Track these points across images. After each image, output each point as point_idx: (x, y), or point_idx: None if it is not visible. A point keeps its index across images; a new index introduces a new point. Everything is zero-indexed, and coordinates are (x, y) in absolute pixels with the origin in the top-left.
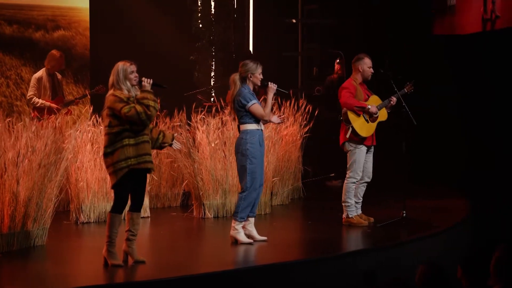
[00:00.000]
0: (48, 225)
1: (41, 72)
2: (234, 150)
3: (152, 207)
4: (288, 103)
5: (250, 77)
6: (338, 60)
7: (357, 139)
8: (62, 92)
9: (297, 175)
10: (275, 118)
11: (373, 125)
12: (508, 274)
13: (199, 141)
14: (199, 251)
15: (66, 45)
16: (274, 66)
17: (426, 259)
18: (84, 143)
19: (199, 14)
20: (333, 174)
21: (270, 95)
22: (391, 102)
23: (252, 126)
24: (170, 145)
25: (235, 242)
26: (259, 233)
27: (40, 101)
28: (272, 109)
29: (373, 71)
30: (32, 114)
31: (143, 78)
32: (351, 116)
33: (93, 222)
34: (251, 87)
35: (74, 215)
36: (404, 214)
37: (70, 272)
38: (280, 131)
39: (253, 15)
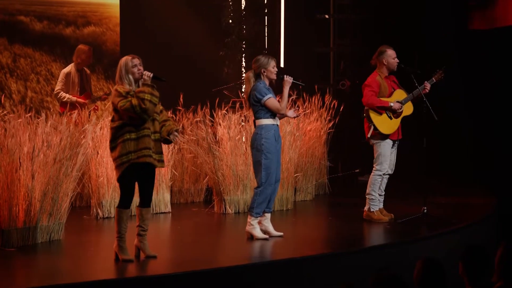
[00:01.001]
0: (65, 220)
1: (69, 67)
2: (250, 145)
3: (175, 202)
4: (313, 98)
5: (264, 72)
6: None
7: (380, 134)
8: (90, 87)
9: (322, 171)
10: (290, 113)
11: (397, 121)
12: (511, 271)
13: (220, 136)
14: (213, 246)
15: (97, 41)
16: (305, 62)
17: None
18: (105, 138)
19: (230, 9)
20: (358, 170)
21: (286, 88)
22: (426, 89)
23: (267, 121)
24: (167, 139)
25: (251, 237)
26: (278, 229)
27: (67, 96)
28: (294, 103)
29: (398, 61)
30: (60, 109)
31: (144, 72)
32: (372, 114)
33: (114, 217)
34: (267, 82)
35: (94, 210)
36: (425, 211)
37: (81, 266)
38: (303, 127)
39: (284, 10)
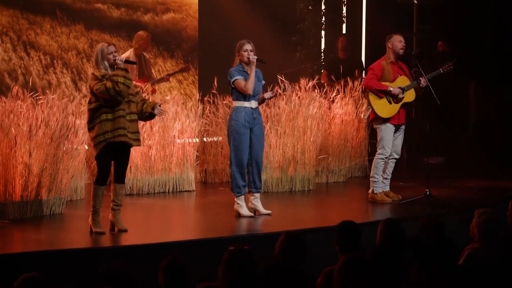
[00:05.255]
0: (66, 195)
1: (128, 52)
2: None
3: (210, 182)
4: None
5: (238, 56)
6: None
7: (380, 118)
8: (149, 72)
9: (363, 153)
10: (267, 94)
11: (396, 106)
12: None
13: None
14: (200, 221)
15: (176, 28)
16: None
17: None
18: None
19: None
20: None
21: (252, 68)
22: (421, 84)
23: (238, 103)
24: (152, 113)
25: (238, 215)
26: (273, 207)
27: None
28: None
29: (404, 46)
30: None
31: (117, 57)
32: (371, 97)
33: (136, 194)
34: (244, 66)
35: None
36: (428, 192)
37: (58, 237)
38: (333, 110)
39: None
